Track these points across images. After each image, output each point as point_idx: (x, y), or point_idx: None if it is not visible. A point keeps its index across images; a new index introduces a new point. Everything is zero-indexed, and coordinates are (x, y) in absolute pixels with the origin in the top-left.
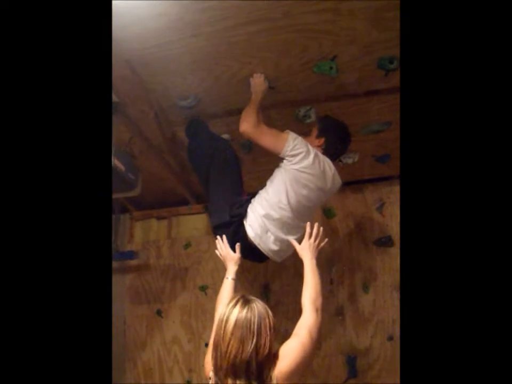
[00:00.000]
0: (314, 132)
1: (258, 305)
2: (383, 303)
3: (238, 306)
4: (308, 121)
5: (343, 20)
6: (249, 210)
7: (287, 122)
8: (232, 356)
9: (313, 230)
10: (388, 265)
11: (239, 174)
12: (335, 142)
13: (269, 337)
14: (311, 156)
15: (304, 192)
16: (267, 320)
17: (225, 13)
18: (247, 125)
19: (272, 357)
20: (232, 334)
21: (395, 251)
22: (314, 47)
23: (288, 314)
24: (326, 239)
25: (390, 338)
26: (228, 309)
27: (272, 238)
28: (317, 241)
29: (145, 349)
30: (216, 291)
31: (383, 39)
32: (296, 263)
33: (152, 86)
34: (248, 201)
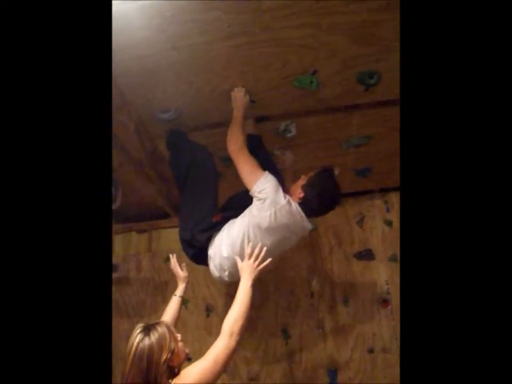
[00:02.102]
0: (302, 181)
1: (156, 336)
2: (363, 316)
3: (138, 336)
4: (289, 135)
5: (323, 34)
6: (216, 240)
7: (267, 136)
8: (127, 382)
9: (254, 251)
10: (368, 279)
11: (214, 189)
12: (312, 201)
13: (163, 366)
14: (277, 206)
15: (266, 239)
16: (158, 349)
17: (205, 27)
18: (234, 146)
19: (163, 382)
20: (129, 361)
21: (375, 264)
22: (294, 61)
23: (268, 329)
24: (269, 259)
25: (370, 351)
26: (131, 337)
27: (226, 273)
28: (257, 262)
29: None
30: (198, 305)
31: (364, 53)
32: (276, 277)
33: (132, 98)
34: (216, 227)
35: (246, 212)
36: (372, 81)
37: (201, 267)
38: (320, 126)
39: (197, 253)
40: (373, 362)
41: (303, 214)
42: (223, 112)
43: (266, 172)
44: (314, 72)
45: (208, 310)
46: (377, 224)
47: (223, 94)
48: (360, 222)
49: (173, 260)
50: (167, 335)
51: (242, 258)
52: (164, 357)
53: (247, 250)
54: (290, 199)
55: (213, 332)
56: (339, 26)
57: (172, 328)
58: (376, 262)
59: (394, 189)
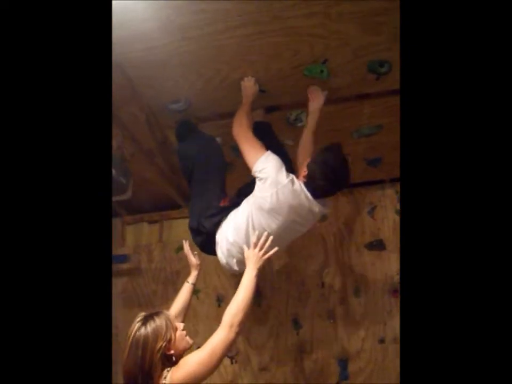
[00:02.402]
0: (308, 159)
1: (152, 325)
2: (374, 306)
3: (136, 325)
4: (299, 124)
5: (333, 23)
6: (223, 226)
7: (278, 126)
8: (124, 369)
9: (260, 239)
10: (379, 269)
11: (221, 178)
12: (317, 178)
13: (157, 354)
14: (278, 186)
15: (271, 223)
16: (153, 338)
17: (215, 16)
18: (237, 128)
19: (157, 369)
20: (127, 349)
21: (386, 254)
22: (305, 51)
23: (279, 319)
24: (276, 249)
25: (381, 341)
26: (131, 327)
27: (234, 260)
28: (262, 251)
29: None
30: (208, 295)
31: (374, 42)
32: (287, 267)
33: (142, 89)
34: (224, 212)
35: (250, 195)
36: (383, 70)
37: (212, 257)
38: (331, 115)
39: (205, 241)
40: (384, 352)
41: (308, 195)
42: (233, 102)
43: (268, 152)
44: (324, 61)
45: (219, 300)
46: (388, 214)
47: (233, 84)
48: (371, 212)
49: (186, 247)
50: (164, 324)
51: (247, 244)
52: (159, 346)
53: (253, 239)
54: (294, 178)
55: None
56: (349, 15)
57: (171, 318)
58: (387, 252)
59: None
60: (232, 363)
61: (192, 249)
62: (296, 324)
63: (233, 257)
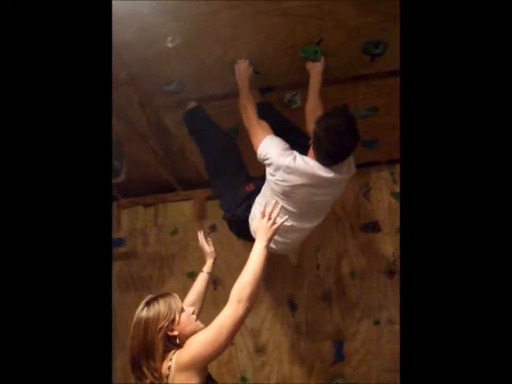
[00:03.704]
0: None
1: (156, 306)
2: (370, 288)
3: (140, 306)
4: (294, 106)
5: (328, 4)
6: (253, 210)
7: None
8: (129, 350)
9: (267, 209)
10: (375, 251)
11: (242, 166)
12: (323, 141)
13: (158, 334)
14: (282, 168)
15: (290, 203)
16: (155, 318)
17: None
18: (243, 115)
19: (159, 350)
20: (130, 332)
21: (382, 236)
22: (299, 32)
23: (275, 301)
24: (285, 217)
25: (377, 322)
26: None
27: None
28: (271, 221)
29: None
30: None
31: (369, 23)
32: None
33: (136, 70)
34: (252, 196)
35: (266, 181)
36: (378, 51)
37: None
38: (326, 97)
39: (241, 229)
40: (378, 334)
41: (314, 163)
42: (227, 83)
43: (268, 137)
44: (319, 42)
45: (215, 283)
46: (384, 196)
47: (227, 65)
48: (367, 194)
49: (201, 236)
50: (168, 305)
51: (282, 225)
52: (160, 325)
53: (261, 209)
54: (297, 155)
55: (220, 305)
56: None
57: (177, 300)
58: (382, 234)
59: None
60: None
61: (205, 237)
62: (292, 305)
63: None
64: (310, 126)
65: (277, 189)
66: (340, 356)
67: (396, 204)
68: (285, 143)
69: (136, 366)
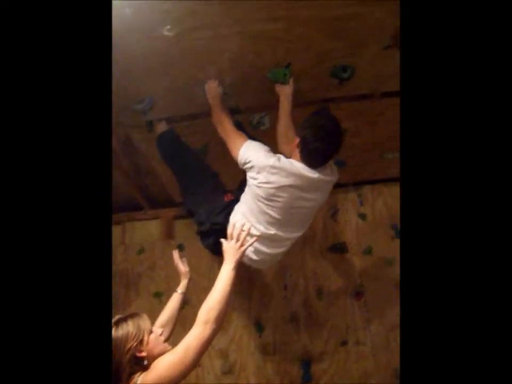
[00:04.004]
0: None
1: (124, 327)
2: (337, 309)
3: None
4: (262, 128)
5: (297, 28)
6: (231, 217)
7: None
8: None
9: (235, 231)
10: (342, 271)
11: (216, 178)
12: (310, 141)
13: (126, 355)
14: (266, 169)
15: (278, 204)
16: (123, 339)
17: (180, 17)
18: (217, 125)
19: (125, 371)
20: None
21: (349, 257)
22: (268, 54)
23: (242, 322)
24: (254, 238)
25: (344, 343)
26: None
27: (251, 249)
28: (239, 243)
29: None
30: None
31: (337, 48)
32: (249, 270)
33: None
34: (231, 205)
35: (246, 188)
36: (346, 75)
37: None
38: (294, 119)
39: (217, 240)
40: (346, 354)
41: (299, 164)
42: (197, 103)
43: (248, 141)
44: (288, 65)
45: (183, 303)
46: (351, 218)
47: (197, 85)
48: (334, 215)
49: (175, 255)
50: (137, 325)
51: (265, 234)
52: (128, 346)
53: (229, 230)
54: (281, 156)
55: (188, 325)
56: (313, 20)
57: (146, 320)
58: (350, 255)
59: (368, 182)
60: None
61: (180, 257)
62: (259, 326)
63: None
64: (282, 149)
65: (260, 192)
66: (307, 377)
67: (363, 225)
68: (265, 146)
69: None
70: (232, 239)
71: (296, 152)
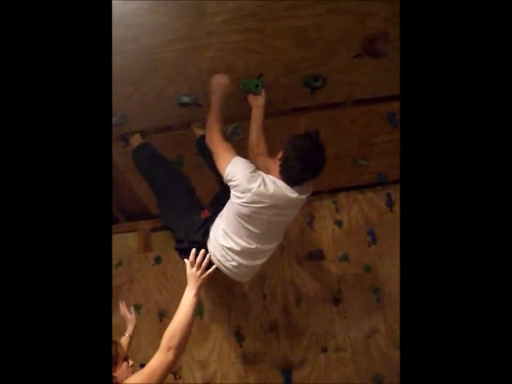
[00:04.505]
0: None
1: None
2: (316, 316)
3: None
4: (236, 138)
5: (267, 39)
6: (211, 235)
7: None
8: None
9: (197, 259)
10: (319, 278)
11: (192, 194)
12: (292, 159)
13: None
14: (252, 190)
15: (259, 220)
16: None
17: (151, 30)
18: (208, 136)
19: None
20: None
21: (326, 264)
22: (240, 65)
23: (222, 332)
24: (214, 266)
25: (324, 350)
26: None
27: (234, 263)
28: (200, 271)
29: None
30: (149, 310)
31: (308, 57)
32: (228, 279)
33: None
34: (209, 221)
35: (228, 203)
36: (317, 84)
37: (152, 272)
38: (267, 128)
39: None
40: (326, 361)
41: (282, 185)
42: (169, 116)
43: (236, 157)
44: (260, 76)
45: (161, 315)
46: (327, 225)
47: (169, 98)
48: (310, 223)
49: (122, 306)
50: (115, 351)
51: (237, 248)
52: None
53: (190, 258)
54: (264, 177)
55: None
56: (283, 30)
57: (122, 347)
58: (326, 262)
59: (343, 189)
60: (176, 378)
61: (127, 306)
62: (239, 336)
63: (229, 260)
64: (253, 159)
65: (243, 211)
66: None
67: (339, 232)
68: (251, 165)
69: None
70: (192, 266)
71: (276, 167)
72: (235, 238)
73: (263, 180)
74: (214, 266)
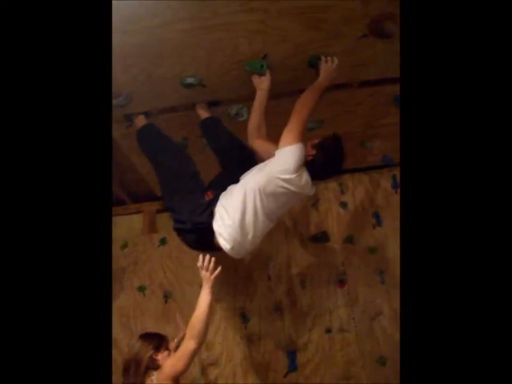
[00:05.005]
0: (315, 140)
1: (151, 337)
2: (320, 297)
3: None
4: (241, 119)
5: (272, 19)
6: (217, 215)
7: None
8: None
9: (204, 263)
10: (324, 260)
11: (197, 176)
12: (321, 160)
13: (142, 361)
14: (295, 178)
15: (276, 200)
16: (137, 353)
17: (155, 11)
18: (301, 106)
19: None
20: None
21: (330, 246)
22: (245, 46)
23: (227, 313)
24: (219, 268)
25: (328, 331)
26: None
27: (238, 242)
28: (209, 272)
29: None
30: (154, 291)
31: (313, 39)
32: (233, 261)
33: None
34: (213, 201)
35: (251, 179)
36: None
37: (157, 254)
38: (272, 110)
39: (201, 237)
40: (331, 342)
41: (309, 180)
42: (174, 97)
43: (298, 144)
44: (265, 56)
45: (166, 296)
46: (332, 207)
47: (173, 79)
48: (315, 205)
49: (178, 319)
50: (151, 340)
51: (243, 225)
52: (147, 354)
53: (199, 263)
54: (304, 170)
55: (172, 318)
56: (288, 11)
57: (165, 339)
58: (331, 243)
59: (348, 171)
60: None
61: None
62: (244, 317)
63: (235, 240)
64: (252, 142)
65: (270, 187)
66: (293, 366)
67: (344, 214)
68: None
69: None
70: (202, 269)
71: (308, 157)
72: (241, 214)
73: (302, 174)
74: (219, 269)
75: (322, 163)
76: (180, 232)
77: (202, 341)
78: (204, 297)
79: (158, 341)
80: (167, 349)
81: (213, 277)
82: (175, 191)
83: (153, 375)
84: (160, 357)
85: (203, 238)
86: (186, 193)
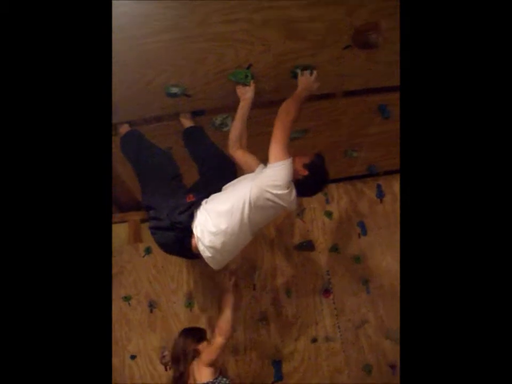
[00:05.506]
0: (305, 160)
1: (183, 334)
2: (305, 306)
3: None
4: (225, 129)
5: (257, 29)
6: (198, 217)
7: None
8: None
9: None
10: (309, 269)
11: (179, 177)
12: (310, 179)
13: (188, 353)
14: (285, 194)
15: (264, 213)
16: (182, 347)
17: (139, 20)
18: (283, 116)
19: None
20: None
21: (315, 255)
22: (229, 56)
23: (212, 323)
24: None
25: (314, 340)
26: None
27: (218, 249)
28: (234, 278)
29: None
30: (140, 301)
31: (298, 49)
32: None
33: None
34: (193, 206)
35: (240, 187)
36: None
37: (143, 263)
38: (256, 120)
39: (179, 236)
40: (316, 351)
41: (295, 195)
42: (157, 106)
43: (288, 160)
44: (249, 66)
45: (151, 306)
46: (317, 216)
47: (158, 88)
48: (301, 214)
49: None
50: (193, 334)
51: (230, 231)
52: (192, 347)
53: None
54: (293, 188)
55: (157, 328)
56: (273, 21)
57: (205, 334)
58: (316, 253)
59: (333, 181)
60: (166, 370)
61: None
62: None
63: (215, 248)
64: (232, 152)
65: (260, 200)
66: (278, 376)
67: (329, 223)
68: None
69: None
70: (230, 278)
71: (296, 177)
72: (228, 220)
73: (291, 190)
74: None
75: (313, 182)
76: (156, 230)
77: (229, 336)
78: (227, 302)
79: (199, 334)
80: (206, 339)
81: (231, 284)
82: (155, 190)
83: (194, 363)
84: (201, 347)
85: (182, 238)
86: (167, 192)
